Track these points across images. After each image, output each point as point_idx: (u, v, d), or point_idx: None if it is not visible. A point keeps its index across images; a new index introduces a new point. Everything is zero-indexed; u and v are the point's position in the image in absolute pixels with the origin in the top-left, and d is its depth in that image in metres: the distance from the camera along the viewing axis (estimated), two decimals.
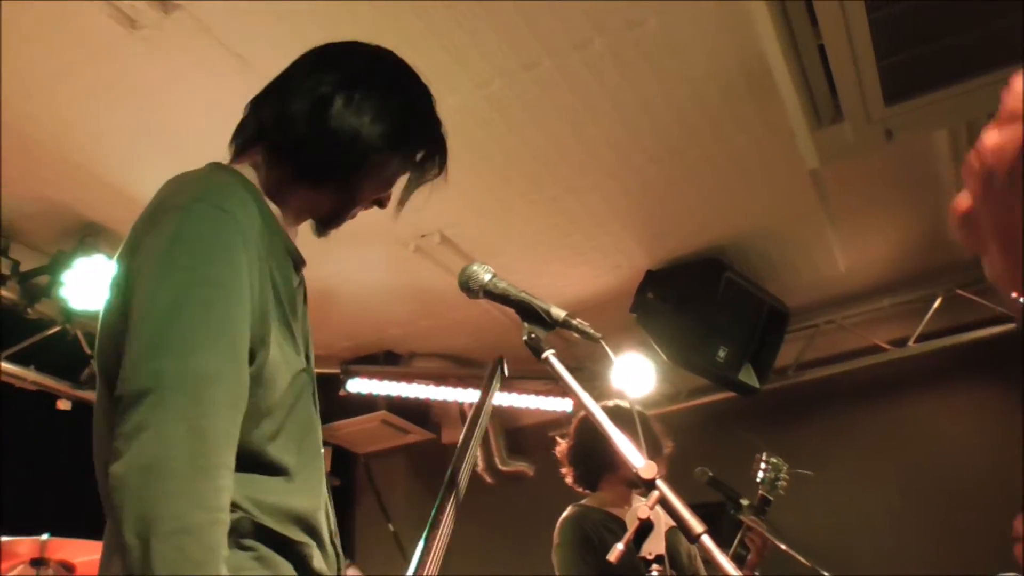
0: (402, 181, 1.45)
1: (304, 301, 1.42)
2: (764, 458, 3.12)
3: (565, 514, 2.95)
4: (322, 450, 1.34)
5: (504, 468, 5.46)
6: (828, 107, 3.15)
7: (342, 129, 1.31)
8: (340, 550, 1.34)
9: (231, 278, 1.14)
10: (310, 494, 1.25)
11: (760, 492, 3.03)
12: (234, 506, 1.11)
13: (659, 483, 1.20)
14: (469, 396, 5.18)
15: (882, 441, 5.23)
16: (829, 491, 5.11)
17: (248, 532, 1.16)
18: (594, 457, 2.94)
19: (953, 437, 5.06)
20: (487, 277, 1.51)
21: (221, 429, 1.06)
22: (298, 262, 1.39)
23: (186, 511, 0.99)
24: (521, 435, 5.73)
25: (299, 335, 1.31)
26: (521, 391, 5.24)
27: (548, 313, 1.43)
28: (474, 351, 5.25)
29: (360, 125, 1.32)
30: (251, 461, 1.16)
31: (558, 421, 3.15)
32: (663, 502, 1.19)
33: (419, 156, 1.42)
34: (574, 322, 1.41)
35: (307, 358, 1.34)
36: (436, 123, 1.45)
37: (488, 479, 5.41)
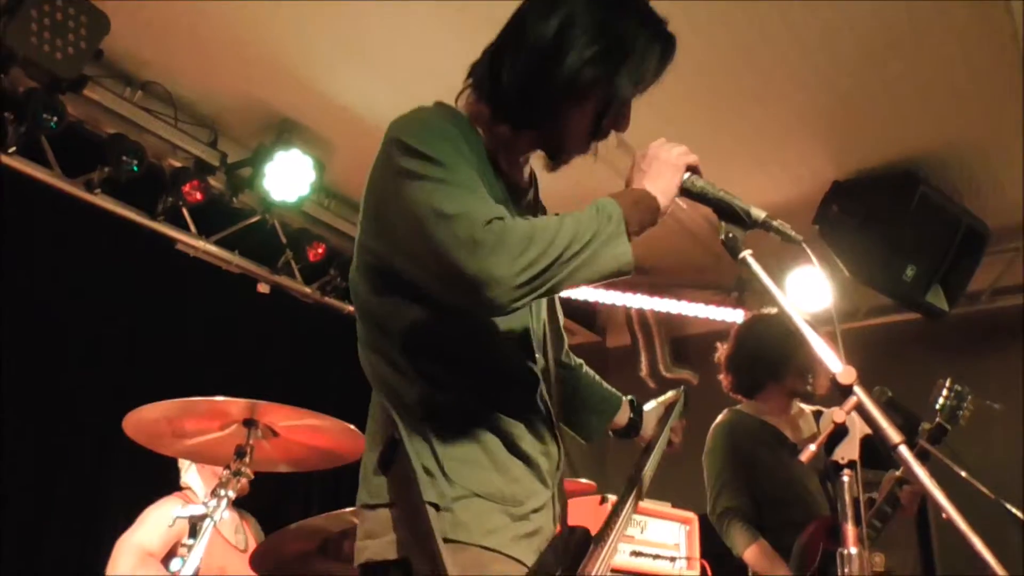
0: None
1: None
2: (948, 384, 2.94)
3: (719, 419, 2.94)
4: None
5: (668, 374, 5.49)
6: None
7: (527, 79, 1.39)
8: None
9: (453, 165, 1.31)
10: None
11: (937, 420, 2.87)
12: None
13: (857, 389, 1.18)
14: (637, 301, 5.20)
15: None
16: (1017, 426, 4.80)
17: (461, 410, 1.36)
18: (760, 364, 2.88)
19: None
20: (685, 175, 1.47)
21: None
22: (516, 191, 1.50)
23: None
24: (687, 343, 5.71)
25: None
26: (689, 299, 5.20)
27: (748, 213, 1.39)
28: (645, 257, 5.20)
29: (557, 72, 1.37)
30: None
31: (725, 332, 3.11)
32: (860, 408, 1.18)
33: (635, 71, 1.42)
34: (775, 223, 1.37)
35: None
36: (647, 32, 1.44)
37: (651, 384, 5.47)
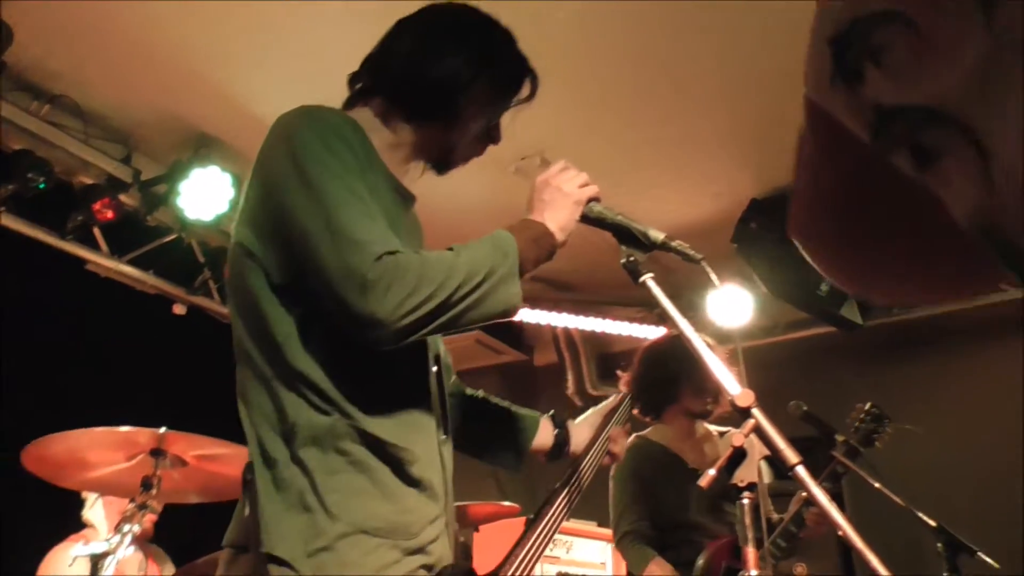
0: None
1: (420, 240, 1.52)
2: (866, 408, 2.97)
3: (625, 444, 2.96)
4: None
5: (594, 392, 5.52)
6: None
7: (430, 69, 1.44)
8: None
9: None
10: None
11: (851, 442, 2.91)
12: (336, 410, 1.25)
13: (755, 411, 1.19)
14: (562, 320, 5.22)
15: (994, 387, 5.00)
16: (930, 436, 4.94)
17: (344, 434, 1.24)
18: (656, 388, 2.87)
19: None
20: None
21: None
22: (405, 197, 1.49)
23: None
24: (613, 360, 5.75)
25: None
26: (615, 317, 5.24)
27: (646, 235, 1.40)
28: (568, 275, 5.25)
29: (444, 63, 1.44)
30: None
31: None
32: (758, 430, 1.18)
33: (506, 80, 1.49)
34: (673, 244, 1.38)
35: None
36: (515, 53, 1.52)
37: (577, 402, 5.48)
